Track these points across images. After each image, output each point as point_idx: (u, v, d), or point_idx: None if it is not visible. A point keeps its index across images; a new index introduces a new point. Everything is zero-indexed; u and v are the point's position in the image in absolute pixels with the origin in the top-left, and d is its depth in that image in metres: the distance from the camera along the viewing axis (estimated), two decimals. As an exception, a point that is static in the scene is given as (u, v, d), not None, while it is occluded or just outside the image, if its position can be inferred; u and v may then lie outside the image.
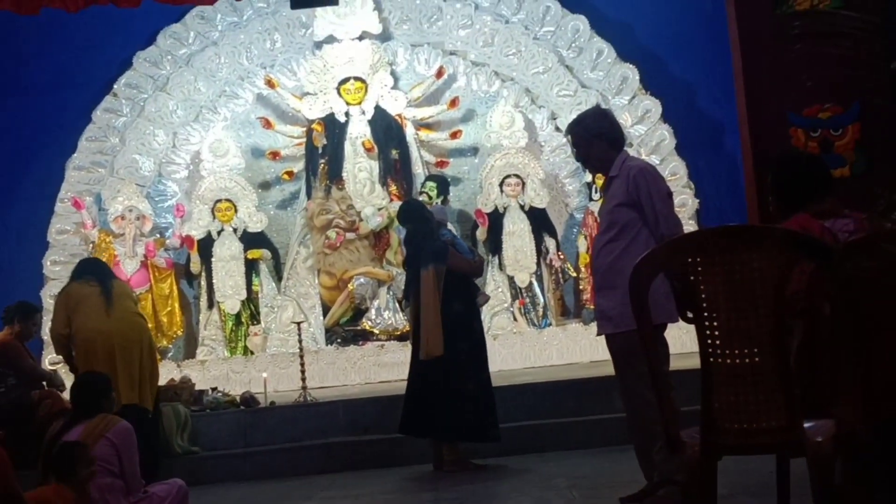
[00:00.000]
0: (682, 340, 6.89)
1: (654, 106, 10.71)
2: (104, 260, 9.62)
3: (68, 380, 6.95)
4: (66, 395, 6.94)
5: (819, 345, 3.20)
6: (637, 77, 10.75)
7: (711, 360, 2.93)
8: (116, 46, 10.76)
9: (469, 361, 6.58)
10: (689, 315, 3.04)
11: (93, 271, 6.93)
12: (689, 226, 9.63)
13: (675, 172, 10.37)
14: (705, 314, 2.94)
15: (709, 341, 2.94)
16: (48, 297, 9.93)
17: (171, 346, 10.46)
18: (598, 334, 4.92)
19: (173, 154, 10.93)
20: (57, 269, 10.26)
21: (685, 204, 10.20)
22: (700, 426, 2.99)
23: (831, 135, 8.28)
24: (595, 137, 4.92)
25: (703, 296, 2.93)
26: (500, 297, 10.40)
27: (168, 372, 8.81)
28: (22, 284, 9.79)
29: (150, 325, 7.99)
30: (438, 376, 6.51)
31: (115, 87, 10.71)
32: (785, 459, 3.41)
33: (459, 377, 6.52)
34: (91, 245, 10.34)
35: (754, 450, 2.99)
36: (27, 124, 10.58)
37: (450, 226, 9.16)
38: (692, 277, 2.94)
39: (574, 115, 7.59)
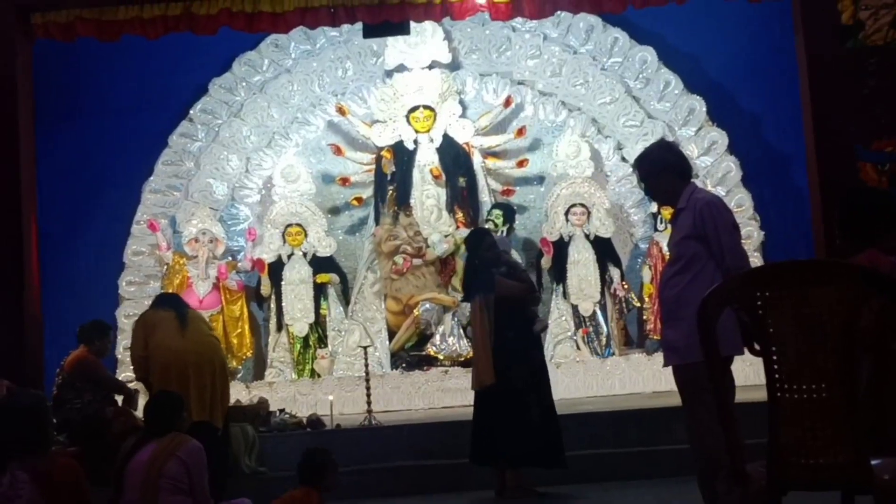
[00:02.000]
0: (745, 373, 6.88)
1: (720, 137, 10.67)
2: (178, 281, 9.90)
3: (143, 400, 7.11)
4: (138, 413, 7.10)
5: (887, 381, 3.19)
6: (704, 108, 10.72)
7: (779, 394, 2.91)
8: (193, 73, 10.97)
9: (528, 389, 6.59)
10: (756, 348, 3.03)
11: (168, 302, 7.16)
12: (755, 258, 9.58)
13: (740, 204, 10.30)
14: (773, 348, 2.91)
15: (776, 375, 2.91)
16: (123, 316, 10.21)
17: (240, 367, 10.59)
18: (665, 365, 4.93)
19: (246, 179, 11.12)
20: (132, 290, 10.53)
21: (750, 236, 10.12)
22: (766, 460, 2.97)
23: (900, 169, 8.21)
24: (662, 170, 4.91)
25: (772, 330, 2.91)
26: (564, 325, 10.41)
27: (236, 393, 8.89)
28: (98, 304, 9.89)
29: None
30: (498, 404, 6.55)
31: (191, 112, 10.93)
32: (851, 496, 3.32)
33: (520, 404, 6.53)
34: (165, 266, 10.55)
35: (820, 486, 2.95)
36: (106, 147, 10.79)
37: (513, 252, 9.22)
38: (761, 311, 2.91)
39: (640, 146, 7.66)
